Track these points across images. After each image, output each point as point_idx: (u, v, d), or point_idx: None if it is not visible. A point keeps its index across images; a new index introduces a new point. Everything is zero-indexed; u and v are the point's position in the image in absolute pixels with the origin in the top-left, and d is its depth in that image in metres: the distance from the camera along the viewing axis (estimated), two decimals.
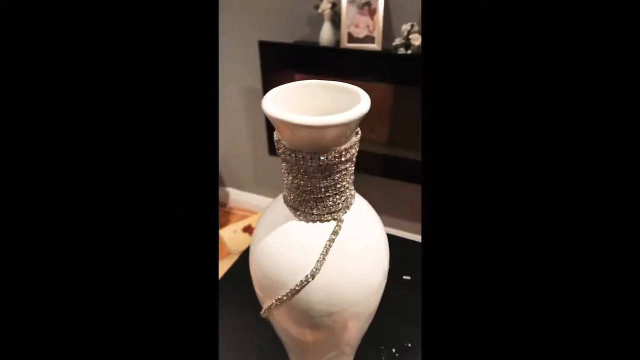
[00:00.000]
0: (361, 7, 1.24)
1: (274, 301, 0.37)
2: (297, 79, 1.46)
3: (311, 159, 0.32)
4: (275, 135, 0.34)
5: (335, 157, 0.32)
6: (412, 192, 1.40)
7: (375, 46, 1.25)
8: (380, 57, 1.25)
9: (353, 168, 0.36)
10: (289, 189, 0.36)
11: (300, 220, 0.36)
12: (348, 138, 0.32)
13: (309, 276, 0.35)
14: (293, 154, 0.32)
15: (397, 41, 1.21)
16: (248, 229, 1.58)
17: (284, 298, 0.36)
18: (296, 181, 0.35)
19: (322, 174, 0.33)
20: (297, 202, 0.36)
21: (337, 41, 1.29)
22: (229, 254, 1.46)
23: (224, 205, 1.82)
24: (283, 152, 0.33)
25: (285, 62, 1.39)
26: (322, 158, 0.32)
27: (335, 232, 0.35)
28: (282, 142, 0.33)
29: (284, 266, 0.36)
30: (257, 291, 0.41)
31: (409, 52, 1.19)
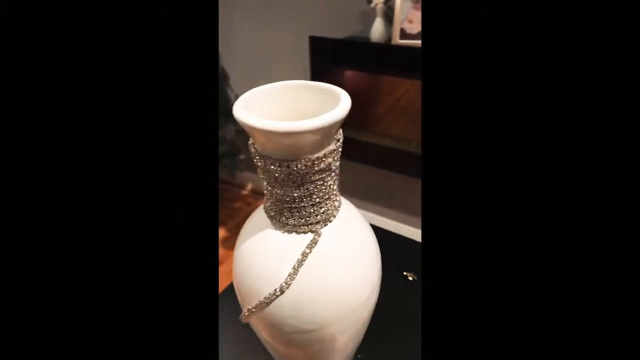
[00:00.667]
0: (416, 1, 1.18)
1: (245, 310, 0.35)
2: (347, 76, 1.44)
3: (280, 166, 0.29)
4: (250, 139, 0.32)
5: (306, 165, 0.29)
6: None
7: None
8: None
9: (334, 179, 0.33)
10: (265, 195, 0.34)
11: (276, 229, 0.34)
12: (323, 146, 0.30)
13: (277, 290, 0.33)
14: (262, 160, 0.30)
15: None
16: None
17: (253, 309, 0.34)
18: (269, 188, 0.32)
19: (293, 182, 0.31)
20: (273, 211, 0.34)
21: (389, 37, 1.24)
22: None
23: None
24: (254, 157, 0.31)
25: (335, 58, 1.37)
26: (291, 166, 0.29)
27: (310, 247, 0.33)
28: (255, 146, 0.31)
29: (255, 276, 0.34)
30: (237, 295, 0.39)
31: None
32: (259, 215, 0.36)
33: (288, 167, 0.29)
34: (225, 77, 1.68)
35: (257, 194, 1.89)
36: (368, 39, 1.27)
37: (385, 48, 1.26)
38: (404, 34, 1.21)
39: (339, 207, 0.35)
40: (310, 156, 0.29)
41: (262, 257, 0.34)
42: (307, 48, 1.38)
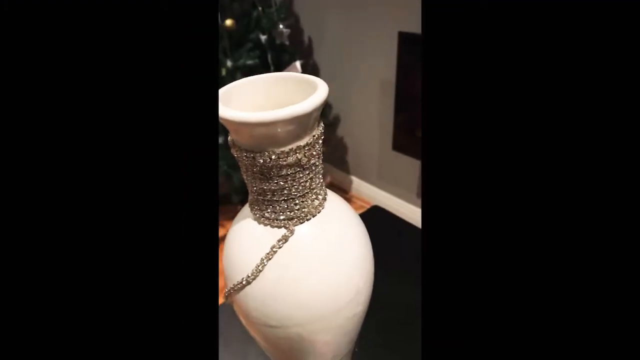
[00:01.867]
0: None
1: (223, 297, 0.36)
2: None
3: (246, 157, 0.29)
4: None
5: (270, 159, 0.29)
6: None
7: None
8: None
9: (309, 176, 0.32)
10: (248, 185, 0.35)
11: (254, 220, 0.34)
12: (290, 140, 0.29)
13: (243, 280, 0.33)
14: (234, 148, 0.30)
15: None
16: None
17: (226, 294, 0.35)
18: (244, 177, 0.33)
19: (262, 175, 0.30)
20: (252, 201, 0.34)
21: None
22: None
23: (346, 192, 1.85)
24: (230, 146, 0.31)
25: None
26: (257, 158, 0.29)
27: (279, 242, 0.32)
28: (231, 135, 0.31)
29: (232, 263, 0.35)
30: None
31: None
32: (247, 206, 0.37)
33: (253, 158, 0.29)
34: (316, 71, 1.72)
35: (334, 187, 1.91)
36: None
37: None
38: None
39: (320, 206, 0.34)
40: (275, 149, 0.29)
41: (239, 246, 0.35)
42: (395, 44, 1.34)
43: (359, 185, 1.80)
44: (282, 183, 0.31)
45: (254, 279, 0.33)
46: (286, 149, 0.29)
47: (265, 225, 0.33)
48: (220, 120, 0.28)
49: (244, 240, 0.35)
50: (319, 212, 0.34)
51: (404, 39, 1.31)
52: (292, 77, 0.33)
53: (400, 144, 1.48)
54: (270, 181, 0.30)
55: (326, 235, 0.34)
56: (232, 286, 0.34)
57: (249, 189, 0.34)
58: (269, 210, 0.33)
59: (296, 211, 0.32)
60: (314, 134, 0.30)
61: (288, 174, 0.30)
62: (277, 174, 0.30)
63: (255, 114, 0.26)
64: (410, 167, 1.54)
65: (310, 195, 0.33)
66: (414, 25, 1.29)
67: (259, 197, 0.32)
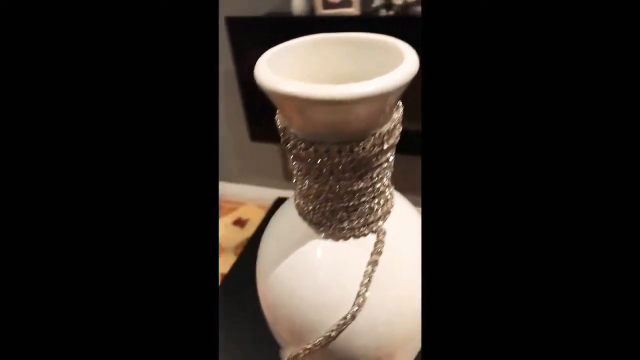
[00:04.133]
0: None
1: (300, 351, 0.27)
2: None
3: (340, 151, 0.21)
4: (278, 121, 0.23)
5: (375, 145, 0.21)
6: None
7: (354, 10, 1.13)
8: (360, 21, 1.13)
9: (393, 159, 0.25)
10: (305, 197, 0.25)
11: (327, 239, 0.26)
12: (388, 116, 0.22)
13: (348, 317, 0.25)
14: (311, 148, 0.21)
15: (377, 2, 1.10)
16: (238, 222, 1.56)
17: (316, 347, 0.26)
18: (316, 186, 0.24)
19: (355, 172, 0.22)
20: (320, 215, 0.25)
21: (312, 9, 1.17)
22: (222, 250, 1.40)
23: None
24: (294, 147, 0.22)
25: (257, 38, 1.26)
26: (356, 149, 0.21)
27: (378, 251, 0.25)
28: (291, 130, 0.22)
29: (312, 306, 0.26)
30: (273, 331, 0.30)
31: (391, 12, 1.08)
32: (294, 223, 0.27)
33: (351, 151, 0.21)
34: None
35: None
36: (290, 13, 1.19)
37: (309, 21, 1.19)
38: (326, 4, 1.14)
39: (392, 195, 0.28)
40: (378, 131, 0.21)
41: (316, 282, 0.26)
42: (224, 31, 1.25)
43: (222, 187, 1.67)
44: (375, 175, 0.23)
45: (359, 311, 0.25)
46: (390, 126, 0.22)
47: (346, 239, 0.25)
48: (291, 101, 0.19)
49: (322, 276, 0.25)
50: (392, 206, 0.28)
51: (232, 23, 1.24)
52: (335, 38, 0.25)
53: (257, 133, 1.42)
54: (363, 178, 0.23)
55: (407, 223, 0.28)
56: (324, 336, 0.25)
57: (314, 201, 0.25)
58: (351, 218, 0.25)
59: (381, 207, 0.25)
60: (398, 103, 0.23)
61: (383, 162, 0.23)
62: (375, 164, 0.22)
63: (359, 85, 0.18)
64: (272, 153, 1.51)
65: (390, 186, 0.26)
66: (239, 9, 1.23)
67: (339, 206, 0.24)
